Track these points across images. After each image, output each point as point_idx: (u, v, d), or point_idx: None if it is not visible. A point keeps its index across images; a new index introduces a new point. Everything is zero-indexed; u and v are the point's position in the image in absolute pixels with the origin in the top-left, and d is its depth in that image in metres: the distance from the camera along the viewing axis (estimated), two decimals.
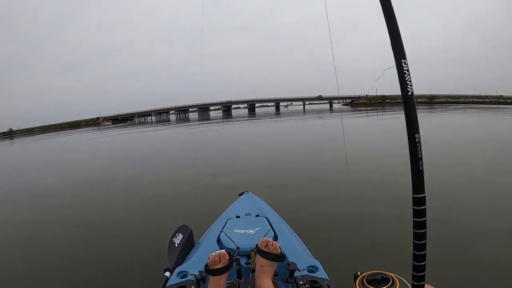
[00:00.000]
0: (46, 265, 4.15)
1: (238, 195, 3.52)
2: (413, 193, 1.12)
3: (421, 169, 1.08)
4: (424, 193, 1.15)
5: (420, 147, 1.04)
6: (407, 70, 1.02)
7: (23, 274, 4.07)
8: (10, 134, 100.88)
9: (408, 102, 1.05)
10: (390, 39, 1.05)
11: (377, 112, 40.63)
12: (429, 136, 11.18)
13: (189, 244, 2.64)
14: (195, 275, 1.91)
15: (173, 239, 2.54)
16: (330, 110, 62.87)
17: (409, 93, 1.03)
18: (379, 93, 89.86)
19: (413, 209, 1.12)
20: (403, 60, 1.03)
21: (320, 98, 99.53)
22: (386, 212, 4.76)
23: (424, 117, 24.76)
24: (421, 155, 1.05)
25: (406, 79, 1.03)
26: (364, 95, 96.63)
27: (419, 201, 1.13)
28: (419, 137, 1.04)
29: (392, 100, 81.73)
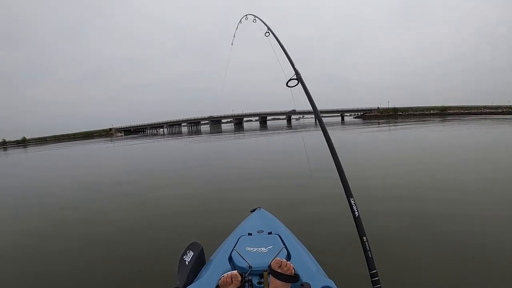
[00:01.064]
0: (52, 275, 4.18)
1: (250, 212, 3.46)
2: None
3: None
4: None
5: None
6: None
7: (27, 278, 4.11)
8: (23, 143, 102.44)
9: None
10: None
11: (389, 124, 40.35)
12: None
13: (200, 262, 2.60)
14: None
15: (184, 257, 2.50)
16: (342, 123, 62.53)
17: None
18: (391, 105, 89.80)
19: None
20: None
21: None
22: (406, 233, 4.64)
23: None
24: None
25: None
26: (376, 108, 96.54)
27: None
28: None
29: (404, 112, 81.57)
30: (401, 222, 5.00)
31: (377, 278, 1.96)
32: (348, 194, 2.24)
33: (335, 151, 2.42)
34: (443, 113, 67.80)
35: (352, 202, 2.19)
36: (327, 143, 2.50)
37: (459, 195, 6.27)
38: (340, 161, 2.39)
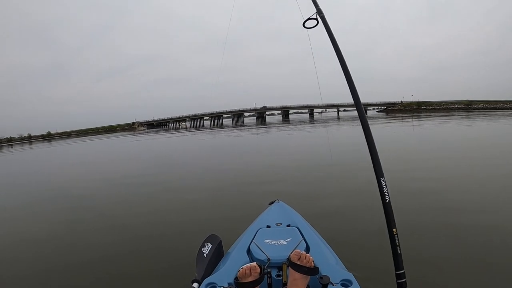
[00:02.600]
0: (72, 264, 4.26)
1: (269, 204, 3.45)
2: None
3: None
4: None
5: None
6: None
7: (51, 270, 4.16)
8: (48, 137, 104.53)
9: None
10: None
11: (413, 119, 39.69)
12: None
13: (218, 254, 2.60)
14: (224, 287, 1.86)
15: (202, 249, 2.51)
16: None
17: None
18: (414, 99, 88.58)
19: None
20: None
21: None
22: (429, 225, 4.54)
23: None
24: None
25: None
26: (399, 101, 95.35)
27: None
28: None
29: (428, 107, 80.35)
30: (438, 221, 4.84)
31: (404, 280, 1.71)
32: (379, 173, 1.90)
33: (367, 122, 2.08)
34: (468, 108, 66.39)
35: (383, 183, 1.86)
36: (358, 113, 2.17)
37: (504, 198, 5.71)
38: (373, 138, 2.06)
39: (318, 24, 2.29)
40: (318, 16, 2.27)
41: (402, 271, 1.69)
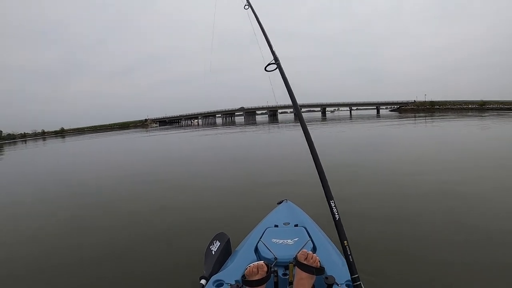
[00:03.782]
0: (81, 259, 4.32)
1: (277, 204, 3.46)
2: None
3: None
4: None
5: None
6: None
7: (60, 265, 4.21)
8: (61, 133, 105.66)
9: None
10: None
11: (426, 119, 39.24)
12: None
13: (226, 252, 2.63)
14: (231, 285, 1.90)
15: (210, 247, 2.54)
16: (377, 116, 61.39)
17: None
18: (427, 99, 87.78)
19: None
20: None
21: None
22: (434, 230, 4.47)
23: None
24: None
25: None
26: (412, 101, 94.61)
27: None
28: None
29: (441, 106, 79.57)
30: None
31: (359, 283, 1.82)
32: (329, 196, 2.08)
33: (315, 149, 2.27)
34: (482, 108, 65.47)
35: (332, 204, 2.03)
36: (306, 140, 2.36)
37: None
38: (320, 160, 2.24)
39: (277, 69, 2.70)
40: (275, 62, 2.72)
41: (356, 275, 1.81)
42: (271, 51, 2.82)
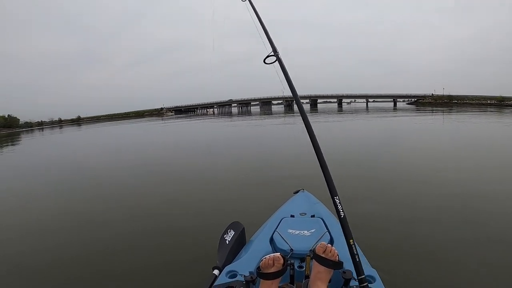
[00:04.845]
0: (95, 247, 4.43)
1: (294, 193, 3.41)
2: None
3: None
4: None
5: None
6: None
7: (78, 249, 4.36)
8: (78, 121, 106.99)
9: None
10: None
11: (443, 113, 38.61)
12: None
13: (240, 242, 2.59)
14: (245, 276, 1.83)
15: (225, 236, 2.51)
16: (394, 109, 60.74)
17: None
18: (446, 92, 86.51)
19: None
20: None
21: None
22: (450, 224, 4.44)
23: None
24: None
25: None
26: (430, 94, 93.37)
27: None
28: None
29: (459, 101, 78.41)
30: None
31: (365, 284, 1.74)
32: (333, 192, 1.99)
33: (318, 143, 2.18)
34: (501, 104, 64.09)
35: (337, 200, 1.95)
36: (308, 134, 2.27)
37: None
38: (324, 156, 2.14)
39: (276, 61, 2.64)
40: (274, 54, 2.67)
41: (363, 276, 1.72)
42: (270, 43, 2.78)
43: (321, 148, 2.14)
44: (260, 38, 2.89)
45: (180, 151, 14.40)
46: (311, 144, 2.19)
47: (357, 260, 1.75)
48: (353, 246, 1.80)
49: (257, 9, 3.09)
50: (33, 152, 21.44)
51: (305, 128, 2.28)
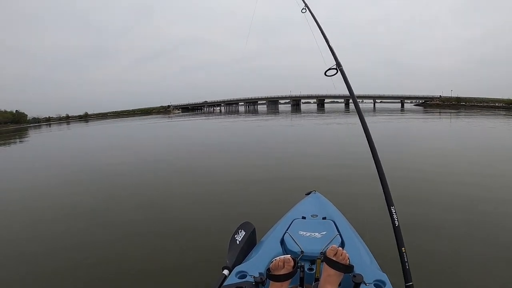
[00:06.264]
0: (104, 244, 4.48)
1: (305, 195, 3.39)
2: None
3: None
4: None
5: None
6: None
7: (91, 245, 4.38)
8: (85, 117, 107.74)
9: None
10: None
11: (451, 115, 38.28)
12: None
13: (250, 243, 2.58)
14: (254, 277, 1.82)
15: (235, 236, 2.49)
16: (401, 110, 60.46)
17: None
18: (454, 94, 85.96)
19: None
20: None
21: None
22: (462, 229, 4.44)
23: None
24: None
25: None
26: (438, 96, 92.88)
27: None
28: None
29: (467, 103, 77.93)
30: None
31: None
32: (389, 202, 2.08)
33: (376, 149, 2.24)
34: (509, 107, 63.50)
35: (393, 210, 2.03)
36: (367, 140, 2.34)
37: None
38: (381, 162, 2.20)
39: (337, 73, 2.68)
40: (337, 68, 2.67)
41: (411, 283, 1.83)
42: (334, 57, 2.76)
43: (379, 155, 2.21)
44: (319, 51, 2.89)
45: (191, 150, 14.40)
46: (370, 151, 2.28)
47: (407, 267, 1.85)
48: (404, 254, 1.89)
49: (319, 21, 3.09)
50: (51, 144, 21.58)
51: (366, 138, 2.38)
